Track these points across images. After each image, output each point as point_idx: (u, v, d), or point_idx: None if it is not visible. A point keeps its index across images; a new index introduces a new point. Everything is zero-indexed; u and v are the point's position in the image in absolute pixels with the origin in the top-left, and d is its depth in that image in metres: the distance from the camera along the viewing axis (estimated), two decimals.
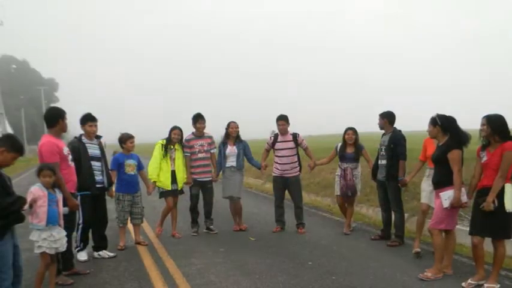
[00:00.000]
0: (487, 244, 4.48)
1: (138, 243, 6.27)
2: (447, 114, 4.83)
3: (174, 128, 6.72)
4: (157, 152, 6.62)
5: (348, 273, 4.88)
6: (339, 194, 6.88)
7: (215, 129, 7.32)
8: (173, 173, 6.64)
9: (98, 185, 5.45)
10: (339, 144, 6.90)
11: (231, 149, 6.98)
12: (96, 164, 5.46)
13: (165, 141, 6.68)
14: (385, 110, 6.27)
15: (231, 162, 6.97)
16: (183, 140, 6.82)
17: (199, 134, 6.91)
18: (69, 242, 4.64)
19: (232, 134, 7.02)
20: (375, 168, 6.37)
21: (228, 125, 7.06)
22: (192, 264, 5.33)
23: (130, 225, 6.43)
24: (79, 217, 5.33)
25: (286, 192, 7.16)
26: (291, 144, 6.96)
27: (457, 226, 5.28)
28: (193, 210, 6.95)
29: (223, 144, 7.06)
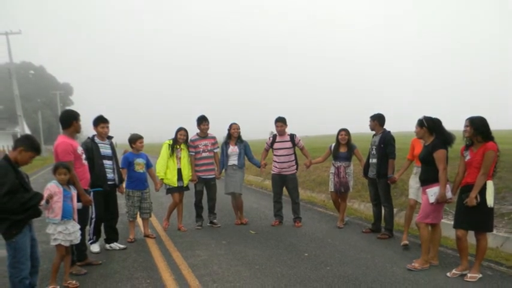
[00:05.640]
0: (470, 237, 4.48)
1: (147, 236, 6.27)
2: (433, 116, 4.84)
3: (180, 129, 6.72)
4: (165, 151, 6.62)
5: (342, 263, 4.88)
6: (332, 190, 6.88)
7: (216, 130, 7.32)
8: (179, 171, 6.64)
9: (109, 182, 5.45)
10: (333, 144, 6.90)
11: (233, 149, 6.98)
12: (107, 163, 5.46)
13: (171, 141, 6.68)
14: (376, 112, 6.28)
15: (233, 161, 6.98)
16: (188, 140, 6.82)
17: (203, 134, 6.90)
18: (82, 235, 4.63)
19: (234, 135, 7.02)
20: (366, 166, 6.36)
21: (230, 126, 7.06)
22: (196, 255, 5.32)
23: (139, 220, 6.42)
24: (92, 212, 5.34)
25: (284, 188, 7.16)
26: (289, 144, 6.96)
27: (443, 220, 5.28)
28: (198, 205, 6.94)
29: (226, 144, 7.06)
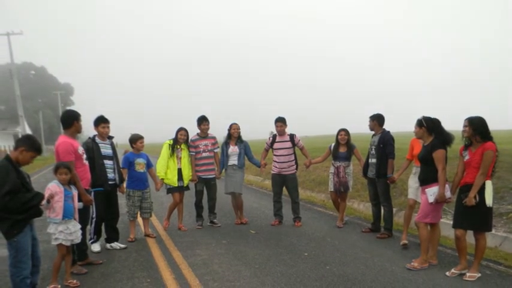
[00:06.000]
0: (469, 236, 4.48)
1: (147, 235, 6.27)
2: (432, 116, 4.84)
3: (180, 129, 6.72)
4: (165, 151, 6.62)
5: (341, 263, 4.88)
6: (332, 190, 6.88)
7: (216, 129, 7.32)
8: (179, 171, 6.64)
9: (110, 182, 5.45)
10: (333, 144, 6.91)
11: (233, 149, 6.98)
12: (108, 163, 5.46)
13: (172, 141, 6.68)
14: (375, 112, 6.28)
15: (233, 160, 6.98)
16: (189, 140, 6.82)
17: (203, 134, 6.90)
18: (83, 234, 4.63)
19: (234, 135, 7.02)
20: (366, 166, 6.36)
21: (230, 126, 7.06)
22: (197, 255, 5.32)
23: (140, 219, 6.43)
24: (93, 211, 5.34)
25: (284, 188, 7.16)
26: (288, 144, 6.96)
27: (442, 220, 5.28)
28: (198, 205, 6.95)
29: (226, 144, 7.06)
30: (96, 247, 5.52)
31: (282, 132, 6.99)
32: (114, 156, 5.56)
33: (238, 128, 7.04)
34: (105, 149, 5.46)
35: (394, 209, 6.62)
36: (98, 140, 5.45)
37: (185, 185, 6.75)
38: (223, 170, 7.12)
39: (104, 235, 5.71)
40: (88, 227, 5.18)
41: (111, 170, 5.49)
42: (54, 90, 55.99)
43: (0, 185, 3.39)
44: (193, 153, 6.81)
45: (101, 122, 5.48)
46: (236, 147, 6.99)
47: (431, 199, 4.59)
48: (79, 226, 4.35)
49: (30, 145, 3.65)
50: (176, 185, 6.62)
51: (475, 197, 4.18)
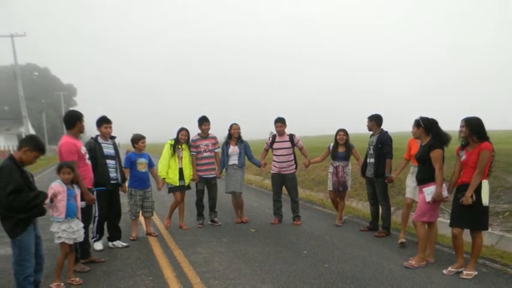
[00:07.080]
0: (466, 235, 4.48)
1: (149, 234, 6.27)
2: (429, 116, 4.84)
3: (182, 129, 6.72)
4: (166, 151, 6.62)
5: (340, 261, 4.88)
6: (331, 189, 6.89)
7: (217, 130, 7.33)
8: (181, 170, 6.64)
9: (112, 181, 5.45)
10: (331, 144, 6.91)
11: (233, 149, 6.99)
12: (110, 162, 5.46)
13: (173, 141, 6.68)
14: (373, 113, 6.28)
15: (233, 160, 6.98)
16: (190, 140, 6.82)
17: (204, 134, 6.91)
18: (86, 233, 4.63)
19: (234, 135, 7.02)
20: (364, 166, 6.36)
21: (231, 126, 7.06)
22: (198, 253, 5.32)
23: (141, 218, 6.43)
24: (95, 210, 5.34)
25: (284, 187, 7.16)
26: (288, 144, 6.97)
27: (439, 218, 5.27)
28: (199, 204, 6.95)
29: (226, 144, 7.06)
30: (98, 245, 5.52)
31: (281, 133, 7.00)
32: (116, 156, 5.56)
33: (239, 128, 7.05)
34: (108, 149, 5.46)
35: (392, 208, 6.62)
36: (100, 140, 5.45)
37: (186, 184, 6.75)
38: (224, 170, 7.12)
39: (106, 234, 5.71)
40: (91, 225, 5.18)
41: (113, 170, 5.49)
42: (57, 91, 56.02)
43: (4, 185, 3.40)
44: (194, 153, 6.82)
45: (103, 122, 5.49)
46: (236, 147, 7.00)
47: (428, 198, 4.59)
48: (82, 225, 4.35)
49: (33, 145, 3.65)
50: (177, 185, 6.62)
51: (471, 196, 4.18)
